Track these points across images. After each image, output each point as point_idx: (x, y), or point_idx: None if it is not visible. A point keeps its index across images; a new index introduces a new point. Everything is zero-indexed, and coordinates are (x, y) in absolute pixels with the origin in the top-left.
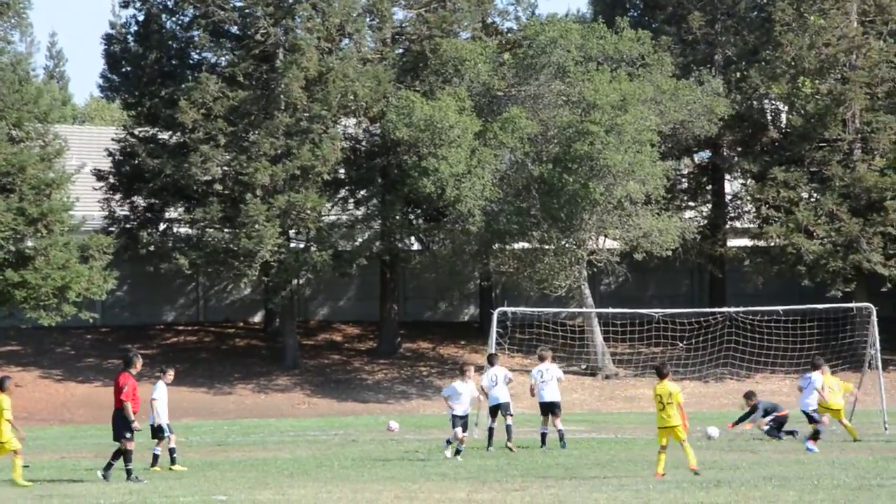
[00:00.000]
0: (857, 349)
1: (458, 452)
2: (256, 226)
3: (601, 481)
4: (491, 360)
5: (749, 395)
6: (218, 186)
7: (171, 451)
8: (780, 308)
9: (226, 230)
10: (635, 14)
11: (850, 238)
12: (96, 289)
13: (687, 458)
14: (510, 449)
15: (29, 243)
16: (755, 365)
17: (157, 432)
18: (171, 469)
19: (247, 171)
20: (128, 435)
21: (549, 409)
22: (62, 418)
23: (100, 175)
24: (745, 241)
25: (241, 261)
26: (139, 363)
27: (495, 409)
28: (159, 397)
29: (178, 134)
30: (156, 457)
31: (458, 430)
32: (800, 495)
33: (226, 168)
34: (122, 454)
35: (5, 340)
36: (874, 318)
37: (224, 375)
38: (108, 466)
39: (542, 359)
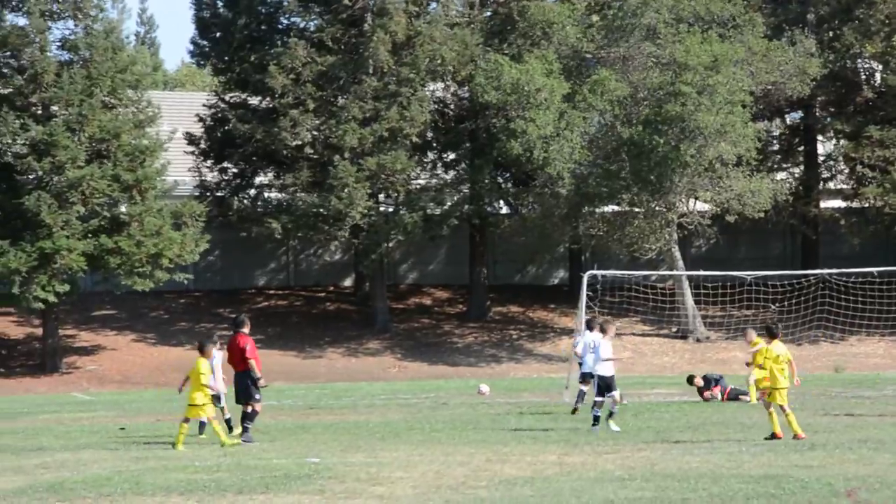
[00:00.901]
0: None
1: (610, 415)
2: (346, 189)
3: (693, 444)
4: (589, 325)
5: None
6: (308, 150)
7: (227, 420)
8: (874, 270)
9: (315, 194)
10: None
11: None
12: (188, 255)
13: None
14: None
15: (123, 209)
16: (850, 328)
17: (216, 400)
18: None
19: (336, 135)
20: (257, 396)
21: (589, 378)
22: (157, 381)
23: (191, 140)
24: (839, 203)
25: (331, 224)
26: (249, 323)
27: (589, 377)
28: (218, 366)
29: (268, 99)
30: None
31: (616, 393)
32: (895, 458)
33: (315, 132)
34: (246, 415)
35: (100, 304)
36: None
37: (315, 339)
38: (244, 430)
39: (603, 331)
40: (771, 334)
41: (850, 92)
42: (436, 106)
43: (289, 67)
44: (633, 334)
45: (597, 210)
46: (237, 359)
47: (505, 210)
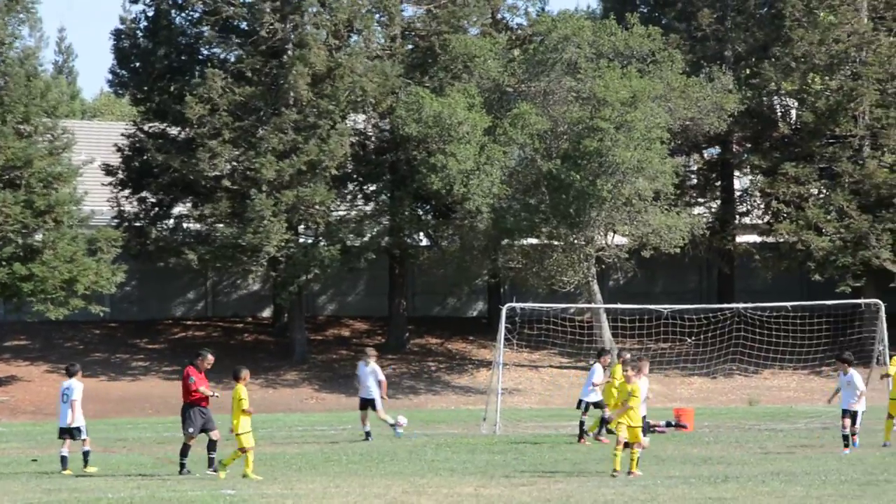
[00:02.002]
0: (865, 345)
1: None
2: (263, 221)
3: (609, 477)
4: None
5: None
6: (226, 182)
7: (86, 453)
8: (788, 304)
9: (234, 225)
10: (645, 10)
11: (859, 234)
12: (104, 282)
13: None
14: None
15: (37, 237)
16: (764, 361)
17: (73, 433)
18: (84, 471)
19: (254, 167)
20: (190, 430)
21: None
22: None
23: (108, 170)
24: (754, 237)
25: (249, 256)
26: (206, 362)
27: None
28: (78, 397)
29: (187, 129)
30: (64, 459)
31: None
32: (807, 490)
33: (234, 163)
34: (186, 449)
35: (14, 335)
36: (882, 314)
37: (232, 370)
38: (210, 462)
39: (638, 370)
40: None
41: (767, 128)
42: (356, 138)
43: (206, 98)
44: (551, 366)
45: (516, 243)
46: (185, 391)
47: (424, 242)
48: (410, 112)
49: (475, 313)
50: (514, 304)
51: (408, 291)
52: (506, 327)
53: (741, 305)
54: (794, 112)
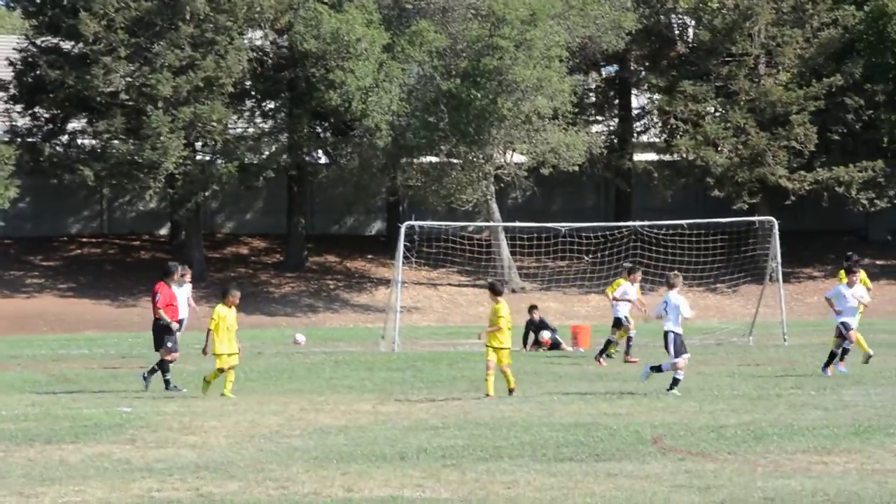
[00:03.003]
0: (760, 262)
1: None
2: (160, 138)
3: (506, 393)
4: (671, 283)
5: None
6: (122, 97)
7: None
8: (684, 222)
9: (130, 142)
10: None
11: (756, 151)
12: None
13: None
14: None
15: None
16: (660, 278)
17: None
18: None
19: (150, 83)
20: (169, 345)
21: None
22: None
23: (0, 85)
24: (652, 156)
25: (146, 173)
26: (177, 274)
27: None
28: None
29: (81, 45)
30: None
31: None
32: (700, 405)
33: (129, 79)
34: (163, 364)
35: None
36: (776, 231)
37: (128, 288)
38: (151, 371)
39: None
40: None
41: (664, 47)
42: (254, 54)
43: (102, 13)
44: (450, 284)
45: (415, 161)
46: (153, 307)
47: (323, 160)
48: (309, 28)
49: (374, 232)
50: (412, 223)
51: (306, 209)
52: (404, 245)
53: (638, 223)
54: (691, 30)
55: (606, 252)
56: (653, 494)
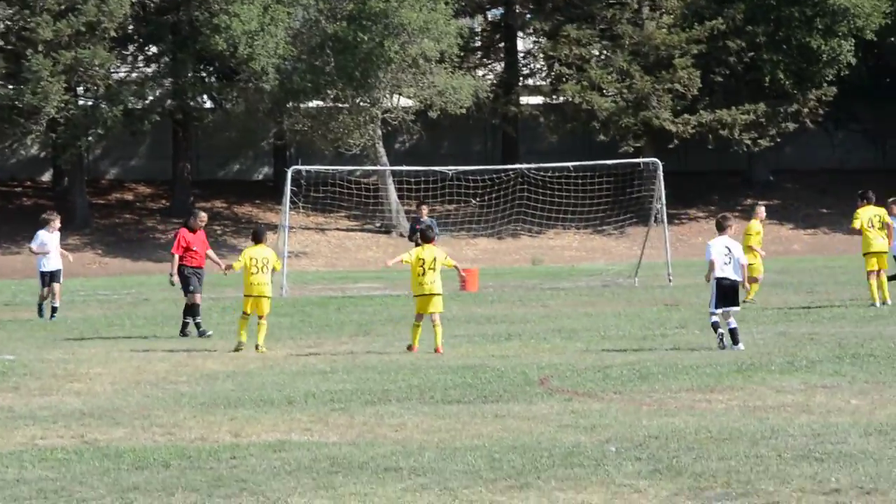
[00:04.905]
0: (645, 204)
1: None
2: (41, 82)
3: (394, 338)
4: (721, 225)
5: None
6: (0, 41)
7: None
8: (570, 164)
9: (10, 86)
10: None
11: (640, 95)
12: None
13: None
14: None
15: None
16: (547, 221)
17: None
18: None
19: (29, 27)
20: (190, 288)
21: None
22: None
23: None
24: (539, 100)
25: (27, 118)
26: (198, 220)
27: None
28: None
29: None
30: None
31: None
32: (587, 345)
33: (8, 23)
34: (189, 309)
35: None
36: (660, 173)
37: (11, 235)
38: (184, 325)
39: (722, 228)
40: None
41: None
42: None
43: None
44: (338, 229)
45: (301, 105)
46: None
47: (209, 105)
48: None
49: (261, 177)
50: (299, 167)
51: (192, 155)
52: (292, 190)
53: (524, 166)
54: None
55: (493, 195)
56: (539, 434)
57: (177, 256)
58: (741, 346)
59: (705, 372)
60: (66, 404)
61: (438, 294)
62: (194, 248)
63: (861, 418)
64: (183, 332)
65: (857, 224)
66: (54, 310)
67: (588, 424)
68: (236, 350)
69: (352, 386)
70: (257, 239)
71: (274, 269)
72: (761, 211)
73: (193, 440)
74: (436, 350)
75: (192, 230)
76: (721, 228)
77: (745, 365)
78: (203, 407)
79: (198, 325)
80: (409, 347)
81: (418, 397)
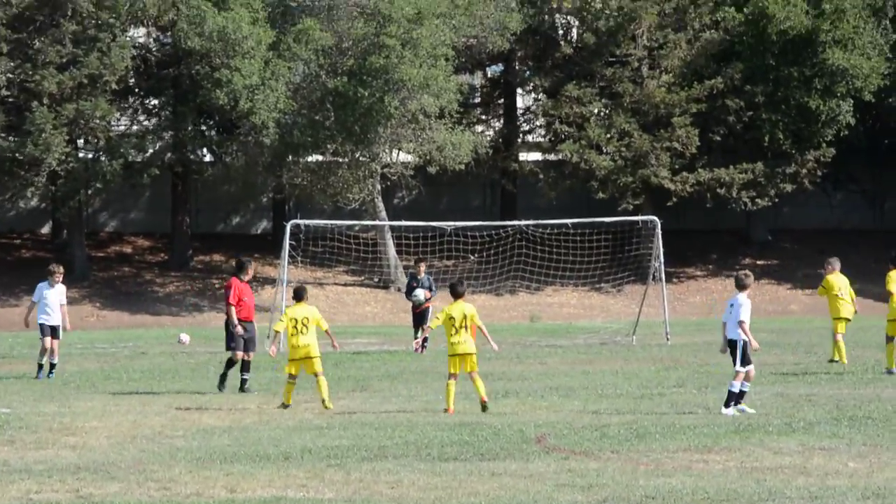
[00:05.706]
0: (643, 261)
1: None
2: (43, 134)
3: (391, 393)
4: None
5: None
6: (4, 93)
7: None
8: (569, 221)
9: (11, 138)
10: None
11: (639, 153)
12: None
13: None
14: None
15: None
16: (546, 278)
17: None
18: None
19: (33, 79)
20: (232, 344)
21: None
22: None
23: None
24: (538, 156)
25: (28, 170)
26: (250, 270)
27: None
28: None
29: None
30: None
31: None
32: (584, 404)
33: (10, 76)
34: (229, 363)
35: None
36: (658, 231)
37: (9, 287)
38: (222, 378)
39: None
40: (455, 293)
41: (549, 47)
42: (137, 52)
43: None
44: (336, 284)
45: (301, 160)
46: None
47: (209, 158)
48: (192, 26)
49: (260, 231)
50: (298, 221)
51: (191, 208)
52: (290, 244)
53: (523, 223)
54: (575, 31)
55: (492, 251)
56: (536, 493)
57: (233, 307)
58: (726, 411)
59: (703, 432)
60: (61, 458)
61: (471, 353)
62: (244, 300)
63: (859, 481)
64: (221, 385)
65: (892, 288)
66: (52, 366)
67: (585, 484)
68: (282, 407)
69: (348, 442)
70: (298, 297)
71: (318, 327)
72: (836, 263)
73: (189, 496)
74: (481, 401)
75: (242, 281)
76: (742, 287)
77: (743, 426)
78: (199, 462)
79: (243, 382)
80: (445, 410)
81: (415, 454)
